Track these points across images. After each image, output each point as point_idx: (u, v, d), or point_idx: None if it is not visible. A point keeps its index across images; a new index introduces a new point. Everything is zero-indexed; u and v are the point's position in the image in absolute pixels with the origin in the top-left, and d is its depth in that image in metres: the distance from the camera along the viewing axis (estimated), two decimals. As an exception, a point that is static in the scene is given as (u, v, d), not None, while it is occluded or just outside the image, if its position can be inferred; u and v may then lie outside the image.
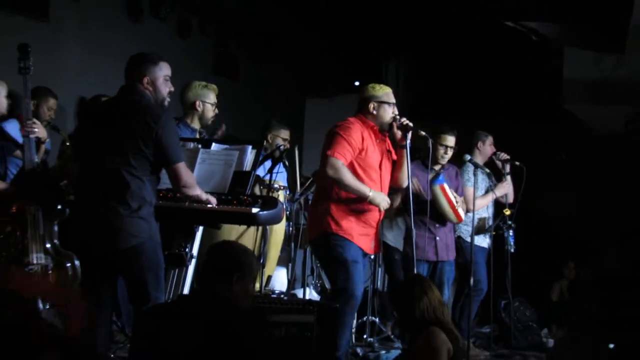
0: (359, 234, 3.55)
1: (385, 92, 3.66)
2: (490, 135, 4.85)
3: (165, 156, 2.97)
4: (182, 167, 3.02)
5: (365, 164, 3.56)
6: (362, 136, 3.55)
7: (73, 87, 4.89)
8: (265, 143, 4.28)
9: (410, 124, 3.62)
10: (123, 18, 5.36)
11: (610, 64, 5.46)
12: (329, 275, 3.72)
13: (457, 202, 4.32)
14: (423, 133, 3.72)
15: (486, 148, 4.84)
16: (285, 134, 4.73)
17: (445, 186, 4.31)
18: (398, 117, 3.64)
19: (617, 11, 4.68)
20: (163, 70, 3.06)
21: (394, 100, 3.68)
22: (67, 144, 4.05)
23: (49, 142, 4.07)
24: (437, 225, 4.36)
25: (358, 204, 3.54)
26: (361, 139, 3.54)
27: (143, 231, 2.95)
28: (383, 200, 3.53)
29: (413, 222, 3.81)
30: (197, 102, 3.98)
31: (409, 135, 3.61)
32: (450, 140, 4.41)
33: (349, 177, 3.48)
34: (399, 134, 3.65)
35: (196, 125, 4.02)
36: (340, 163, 3.48)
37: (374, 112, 3.62)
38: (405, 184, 3.76)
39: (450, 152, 4.42)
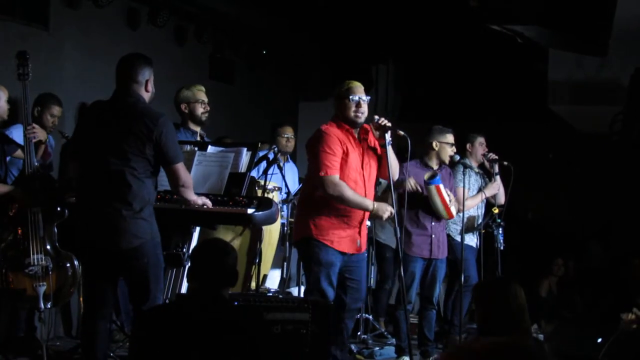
0: (340, 237, 3.58)
1: (347, 87, 3.60)
2: (479, 135, 4.92)
3: (165, 157, 3.02)
4: (181, 167, 3.08)
5: (345, 165, 3.58)
6: (339, 141, 3.56)
7: (73, 93, 4.96)
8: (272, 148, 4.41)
9: (388, 124, 3.60)
10: (122, 25, 5.46)
11: (593, 66, 5.57)
12: (306, 274, 3.77)
13: (450, 200, 4.36)
14: (402, 133, 3.71)
15: (476, 148, 4.89)
16: (287, 130, 4.99)
17: (441, 187, 4.34)
18: (376, 117, 3.62)
19: (599, 14, 4.80)
20: (152, 70, 3.12)
21: (357, 94, 3.57)
22: None
23: (52, 141, 4.16)
24: (433, 223, 4.41)
25: (341, 207, 3.56)
26: (339, 144, 3.55)
27: (145, 232, 2.99)
28: (386, 210, 3.55)
29: (408, 219, 3.90)
30: (183, 105, 4.11)
31: (388, 135, 3.61)
32: (450, 138, 4.46)
33: (349, 193, 3.51)
34: (376, 134, 3.65)
35: (194, 127, 4.13)
36: (337, 178, 3.51)
37: (337, 109, 3.61)
38: (396, 177, 3.77)
39: (451, 149, 4.46)
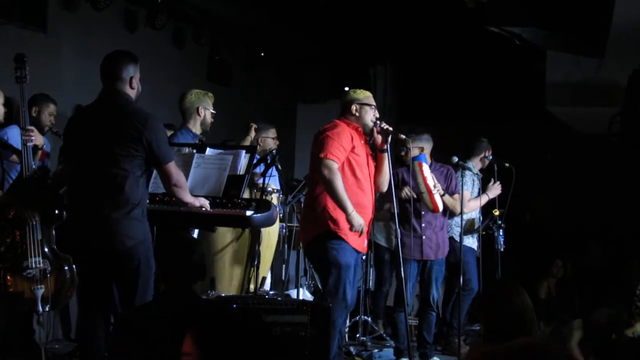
0: (354, 233, 3.61)
1: (365, 95, 3.76)
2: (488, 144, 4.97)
3: (155, 158, 3.00)
4: (172, 166, 3.06)
5: (356, 161, 3.64)
6: (350, 135, 3.63)
7: (71, 96, 4.96)
8: (258, 147, 4.43)
9: (390, 128, 3.66)
10: (120, 28, 5.46)
11: (591, 68, 5.58)
12: (322, 276, 3.77)
13: (434, 186, 4.31)
14: (403, 136, 3.76)
15: (482, 158, 4.93)
16: (272, 132, 4.86)
17: (424, 166, 4.32)
18: (378, 121, 3.69)
19: (597, 16, 4.81)
20: (138, 66, 3.11)
21: (374, 103, 3.77)
22: None
23: (48, 145, 4.17)
24: (423, 224, 4.42)
25: (355, 203, 3.59)
26: (350, 138, 3.62)
27: (138, 232, 2.98)
28: (359, 225, 3.54)
29: (401, 224, 3.90)
30: (200, 108, 4.10)
31: (389, 139, 3.66)
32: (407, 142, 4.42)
33: (340, 184, 3.53)
34: (379, 138, 3.69)
35: (197, 130, 4.12)
36: (336, 166, 3.54)
37: (356, 113, 3.70)
38: (385, 188, 3.80)
39: (407, 153, 4.37)
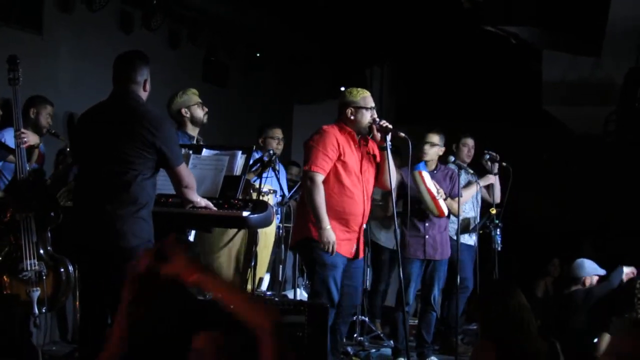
0: (340, 240, 3.56)
1: (362, 96, 3.67)
2: (466, 137, 4.95)
3: (166, 161, 3.00)
4: (183, 168, 3.08)
5: (343, 168, 3.60)
6: (337, 142, 3.57)
7: (66, 98, 4.95)
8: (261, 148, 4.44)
9: (390, 126, 3.63)
10: (115, 29, 5.45)
11: (587, 67, 5.59)
12: (309, 276, 3.79)
13: (437, 192, 4.32)
14: (402, 134, 3.70)
15: (461, 150, 4.94)
16: (277, 132, 4.87)
17: (424, 173, 4.32)
18: (377, 119, 3.65)
19: (593, 15, 4.82)
20: (149, 68, 3.11)
21: (372, 104, 3.68)
22: (68, 149, 4.11)
23: (42, 145, 4.17)
24: (426, 224, 4.42)
25: (340, 210, 3.58)
26: (337, 145, 3.57)
27: (144, 232, 2.96)
28: (328, 242, 3.49)
29: (405, 222, 3.89)
30: (183, 110, 4.06)
31: (389, 137, 3.63)
32: (431, 137, 4.45)
33: (319, 198, 3.50)
34: (378, 136, 3.66)
35: (192, 131, 4.09)
36: (320, 177, 3.52)
37: (352, 117, 3.63)
38: (389, 186, 3.76)
39: (430, 148, 4.44)
